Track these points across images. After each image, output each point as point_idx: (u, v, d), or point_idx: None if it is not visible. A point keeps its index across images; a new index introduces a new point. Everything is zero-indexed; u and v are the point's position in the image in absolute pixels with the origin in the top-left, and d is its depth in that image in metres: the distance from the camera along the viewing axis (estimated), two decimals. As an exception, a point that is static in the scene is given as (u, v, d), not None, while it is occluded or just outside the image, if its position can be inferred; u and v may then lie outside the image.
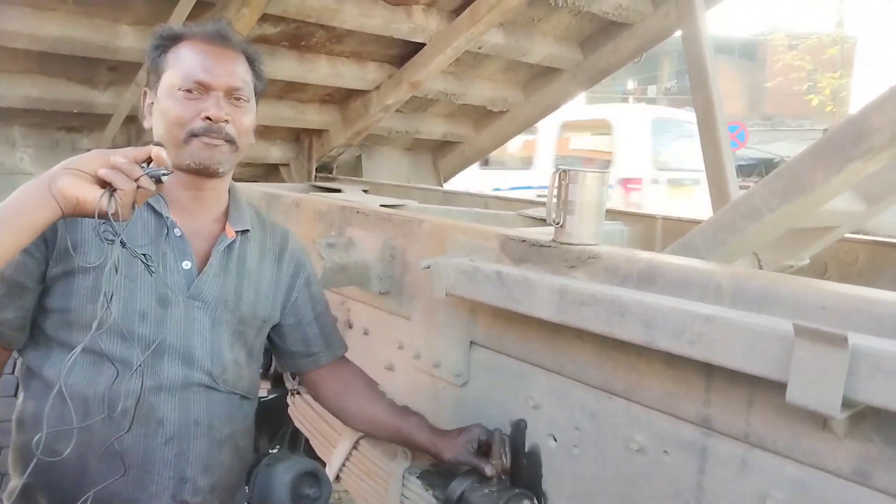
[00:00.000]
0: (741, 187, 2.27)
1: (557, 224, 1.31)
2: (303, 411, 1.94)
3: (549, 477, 1.33)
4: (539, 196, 3.88)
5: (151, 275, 1.21)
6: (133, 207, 1.00)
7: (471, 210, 2.69)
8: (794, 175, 1.36)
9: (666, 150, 8.56)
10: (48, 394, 1.17)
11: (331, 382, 1.52)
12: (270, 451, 1.69)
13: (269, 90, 3.02)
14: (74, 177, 0.97)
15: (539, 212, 2.56)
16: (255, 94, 1.34)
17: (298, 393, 1.97)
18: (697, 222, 2.07)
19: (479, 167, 7.38)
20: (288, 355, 1.51)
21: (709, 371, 1.05)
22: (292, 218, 2.11)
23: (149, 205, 1.24)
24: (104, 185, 0.97)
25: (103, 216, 0.96)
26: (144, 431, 1.20)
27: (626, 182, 7.88)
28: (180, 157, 1.23)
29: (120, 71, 2.66)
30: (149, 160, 1.02)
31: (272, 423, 2.03)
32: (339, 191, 3.10)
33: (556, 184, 1.32)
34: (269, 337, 1.47)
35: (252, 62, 1.34)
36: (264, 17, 2.51)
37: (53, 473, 1.12)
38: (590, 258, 1.25)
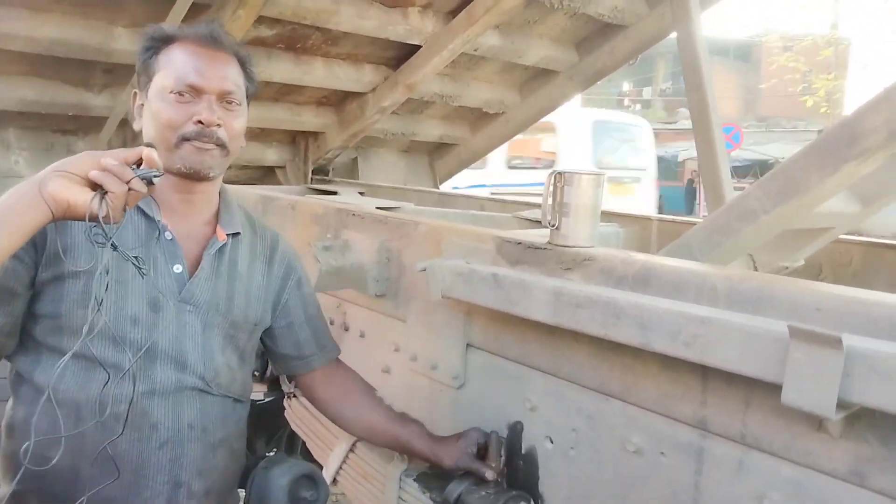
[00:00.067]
0: (736, 188, 2.28)
1: (553, 226, 1.32)
2: (299, 414, 1.94)
3: (546, 479, 1.33)
4: (493, 194, 4.25)
5: (143, 277, 1.20)
6: (124, 210, 0.99)
7: (467, 212, 2.69)
8: (789, 176, 1.37)
9: (606, 150, 9.41)
10: (38, 399, 1.17)
11: (327, 387, 1.52)
12: (267, 454, 1.69)
13: (266, 92, 3.05)
14: (65, 179, 0.96)
15: (535, 214, 2.56)
16: (247, 97, 1.33)
17: (295, 396, 1.96)
18: (693, 224, 2.07)
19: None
20: (280, 358, 1.50)
21: (705, 373, 1.05)
22: (288, 221, 2.11)
23: (139, 208, 1.23)
24: (95, 187, 0.96)
25: (94, 219, 0.95)
26: (138, 436, 1.20)
27: None
28: (171, 161, 1.22)
29: (115, 73, 2.66)
30: (139, 162, 1.01)
31: (269, 426, 2.03)
32: (335, 193, 3.10)
33: (552, 186, 1.32)
34: (261, 340, 1.47)
35: (244, 65, 1.33)
36: (260, 19, 2.52)
37: (45, 480, 1.10)
38: (585, 260, 1.25)
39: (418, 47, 2.97)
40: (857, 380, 0.82)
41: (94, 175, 0.96)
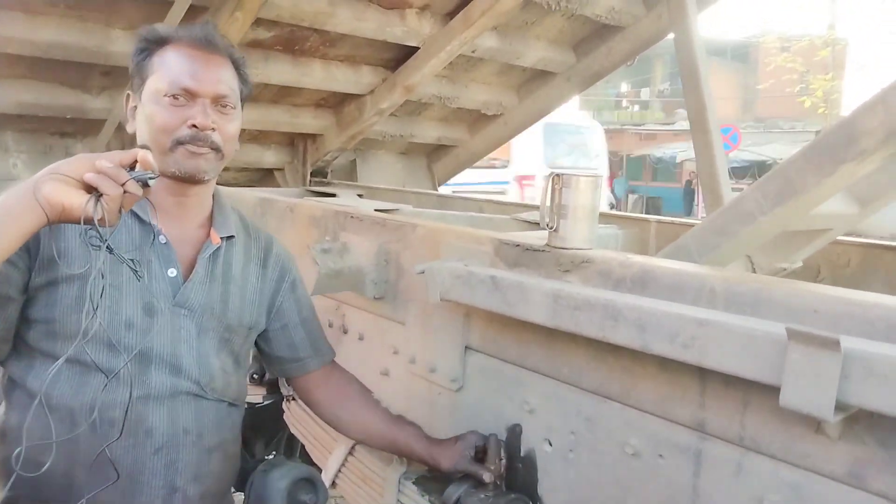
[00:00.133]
0: (734, 190, 2.28)
1: (551, 228, 1.32)
2: (298, 417, 1.94)
3: (545, 481, 1.33)
4: (454, 192, 4.24)
5: (139, 280, 1.20)
6: (120, 212, 0.98)
7: (465, 214, 2.70)
8: (787, 177, 1.37)
9: (558, 152, 10.30)
10: (31, 405, 1.16)
11: (323, 389, 1.51)
12: (266, 457, 1.69)
13: (264, 94, 3.05)
14: (59, 182, 0.95)
15: (533, 216, 2.56)
16: (241, 100, 1.33)
17: (294, 399, 1.96)
18: (691, 225, 2.07)
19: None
20: (275, 361, 1.50)
21: (703, 375, 1.05)
22: (287, 223, 2.11)
23: (132, 212, 1.23)
24: (90, 190, 0.96)
25: (89, 222, 0.94)
26: (133, 441, 1.19)
27: (521, 179, 9.56)
28: (165, 165, 1.21)
29: (113, 76, 2.66)
30: (134, 164, 1.00)
31: (268, 429, 2.02)
32: (333, 195, 3.10)
33: (550, 188, 1.32)
34: (255, 343, 1.46)
35: (238, 67, 1.32)
36: (258, 22, 2.51)
37: (39, 486, 1.09)
38: (584, 262, 1.25)
39: (416, 49, 2.97)
40: (855, 382, 0.82)
41: (89, 178, 0.95)
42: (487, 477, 1.30)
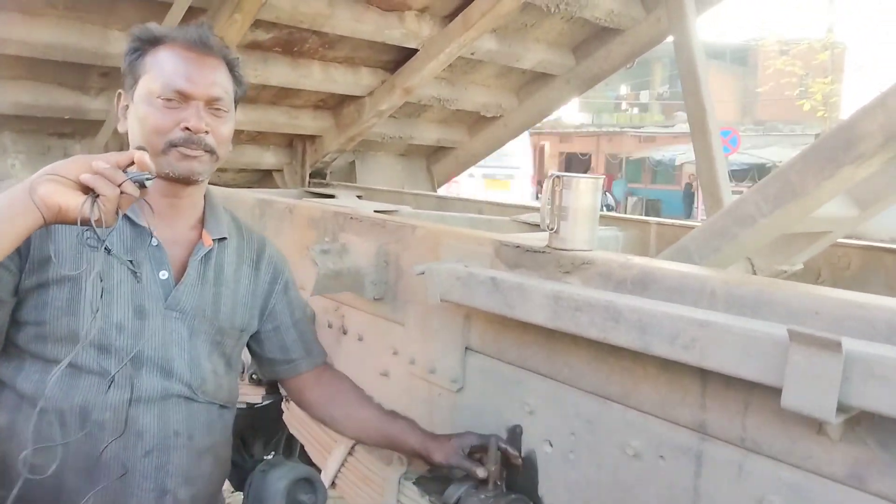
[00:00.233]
0: (734, 192, 2.28)
1: (552, 229, 1.32)
2: (298, 417, 1.94)
3: (545, 482, 1.33)
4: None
5: (139, 282, 1.20)
6: (117, 213, 0.98)
7: (465, 215, 2.70)
8: (787, 180, 1.37)
9: None
10: (21, 406, 1.16)
11: (316, 389, 1.51)
12: (265, 457, 1.69)
13: (263, 96, 3.05)
14: (56, 183, 0.94)
15: (533, 217, 2.56)
16: (235, 101, 1.32)
17: (293, 399, 1.96)
18: (691, 228, 2.07)
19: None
20: (267, 362, 1.49)
21: (704, 376, 1.05)
22: (286, 224, 2.11)
23: (123, 214, 1.23)
24: (87, 191, 0.95)
25: (86, 223, 0.94)
26: (123, 444, 1.18)
27: None
28: (158, 166, 1.19)
29: (112, 77, 2.65)
30: (131, 165, 1.00)
31: (267, 429, 2.02)
32: (332, 196, 3.10)
33: (550, 189, 1.32)
34: (248, 344, 1.46)
35: (232, 68, 1.31)
36: (256, 23, 2.51)
37: (28, 488, 1.06)
38: (584, 264, 1.25)
39: (415, 51, 2.97)
40: (857, 383, 0.82)
41: (86, 178, 0.95)
42: (481, 472, 1.30)
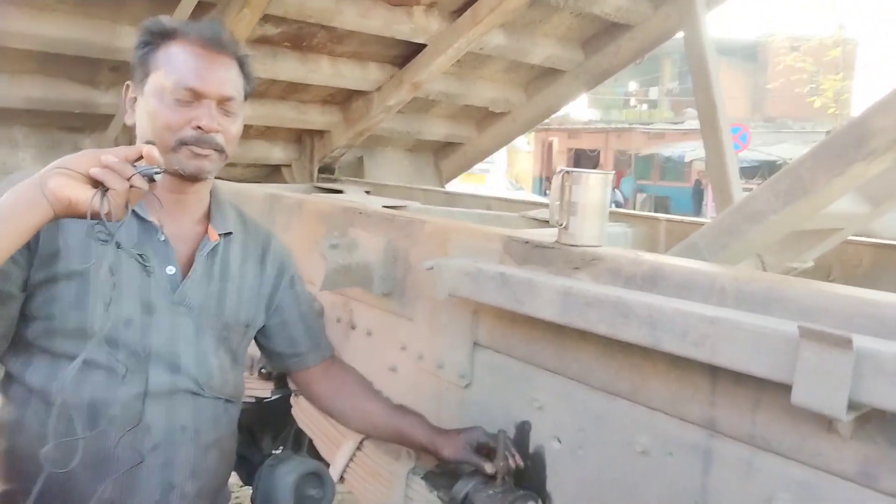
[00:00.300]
0: (744, 189, 2.27)
1: (561, 225, 1.31)
2: (306, 412, 1.94)
3: (554, 478, 1.33)
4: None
5: (149, 276, 1.20)
6: (126, 207, 0.98)
7: (473, 211, 2.70)
8: (797, 177, 1.36)
9: None
10: (29, 400, 1.17)
11: (324, 383, 1.51)
12: (274, 451, 1.70)
13: (271, 91, 3.05)
14: (66, 177, 0.95)
15: (542, 213, 2.56)
16: (244, 99, 1.31)
17: (301, 394, 1.97)
18: (701, 224, 2.07)
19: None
20: (275, 356, 1.50)
21: (714, 372, 1.05)
22: (295, 219, 2.11)
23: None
24: (96, 184, 0.95)
25: (96, 216, 0.94)
26: (131, 438, 1.18)
27: None
28: (168, 163, 1.18)
29: (122, 71, 2.66)
30: (140, 158, 1.00)
31: (275, 424, 2.03)
32: (341, 192, 3.10)
33: (560, 185, 1.32)
34: (255, 338, 1.46)
35: (243, 66, 1.30)
36: (265, 18, 2.52)
37: (36, 481, 1.06)
38: (593, 259, 1.24)
39: (423, 46, 2.97)
40: (868, 380, 0.82)
41: (95, 172, 0.95)
42: (489, 468, 1.30)
